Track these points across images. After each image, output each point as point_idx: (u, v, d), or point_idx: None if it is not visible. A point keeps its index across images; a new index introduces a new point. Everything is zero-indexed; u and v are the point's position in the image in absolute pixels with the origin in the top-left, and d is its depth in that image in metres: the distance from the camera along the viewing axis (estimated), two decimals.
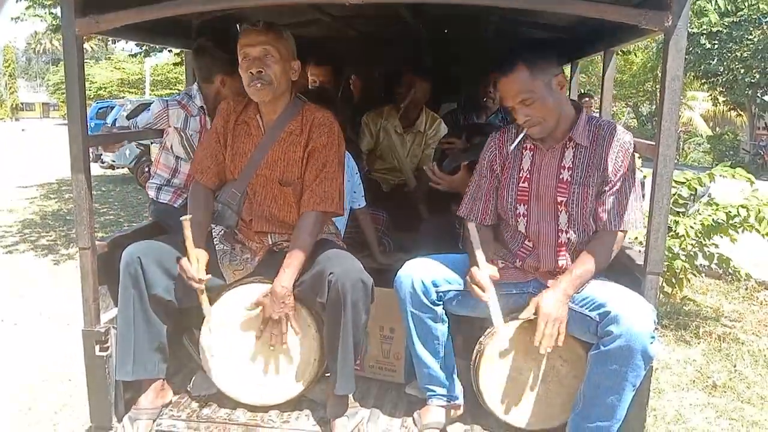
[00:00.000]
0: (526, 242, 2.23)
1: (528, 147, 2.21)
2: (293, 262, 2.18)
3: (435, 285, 2.16)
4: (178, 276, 2.18)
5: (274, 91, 2.23)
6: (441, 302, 2.20)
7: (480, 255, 2.09)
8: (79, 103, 2.15)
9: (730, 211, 4.57)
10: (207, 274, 2.18)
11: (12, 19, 9.23)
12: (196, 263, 2.15)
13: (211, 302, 2.27)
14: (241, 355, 2.29)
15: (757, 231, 4.45)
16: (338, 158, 2.33)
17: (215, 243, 2.40)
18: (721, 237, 4.64)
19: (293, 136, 2.31)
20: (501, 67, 2.12)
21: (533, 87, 2.06)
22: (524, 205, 2.21)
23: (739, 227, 4.54)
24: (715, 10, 4.56)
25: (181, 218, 2.18)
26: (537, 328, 2.00)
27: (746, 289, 5.67)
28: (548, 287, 2.13)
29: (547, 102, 2.09)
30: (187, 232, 2.15)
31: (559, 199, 2.15)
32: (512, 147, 2.22)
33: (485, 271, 2.06)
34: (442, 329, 2.22)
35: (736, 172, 4.61)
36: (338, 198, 2.30)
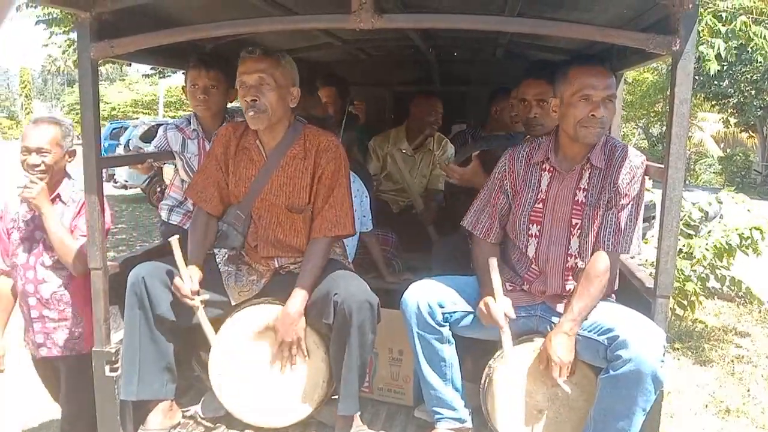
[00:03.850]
0: (532, 266, 2.23)
1: (547, 169, 2.21)
2: (304, 286, 2.20)
3: (441, 306, 2.17)
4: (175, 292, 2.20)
5: (270, 118, 2.24)
6: (447, 323, 2.19)
7: (498, 287, 2.09)
8: (93, 126, 2.19)
9: (743, 233, 4.55)
10: (203, 292, 2.20)
11: (43, 45, 9.48)
12: (189, 281, 2.16)
13: (218, 324, 2.28)
14: (250, 377, 2.29)
15: (756, 253, 4.46)
16: (346, 181, 2.35)
17: (219, 265, 2.41)
18: (736, 256, 4.62)
19: (297, 161, 2.32)
20: (588, 59, 2.16)
21: (614, 90, 2.10)
22: (537, 225, 2.21)
23: (754, 250, 4.52)
24: (716, 57, 4.59)
25: (168, 239, 2.21)
26: (549, 369, 2.04)
27: (759, 311, 5.61)
28: (556, 311, 2.17)
29: (615, 111, 2.13)
30: (177, 252, 2.18)
31: (574, 221, 2.15)
32: (533, 163, 2.23)
33: (501, 307, 2.06)
34: (448, 351, 2.22)
35: (737, 197, 4.66)
36: (350, 220, 2.32)
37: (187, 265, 2.22)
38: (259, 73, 2.20)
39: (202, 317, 2.22)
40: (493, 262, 2.15)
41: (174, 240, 2.21)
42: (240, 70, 2.24)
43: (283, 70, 2.25)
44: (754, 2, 5.08)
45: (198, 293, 2.20)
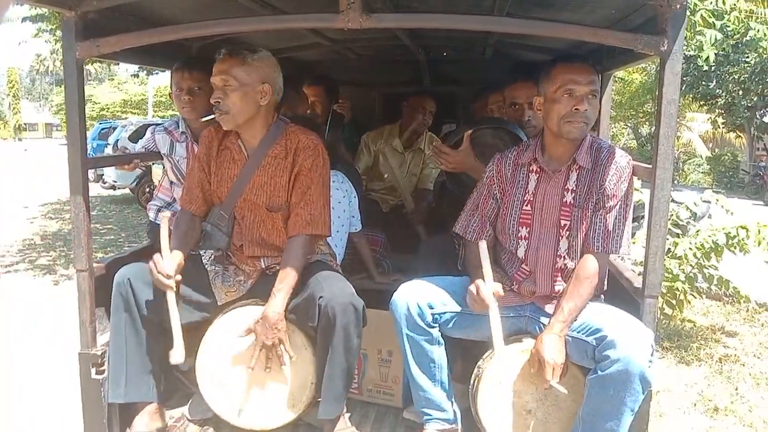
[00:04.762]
0: (523, 266, 2.23)
1: (534, 170, 2.22)
2: (284, 286, 2.16)
3: (430, 307, 2.16)
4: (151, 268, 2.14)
5: (235, 119, 2.21)
6: (437, 324, 2.19)
7: (488, 270, 2.08)
8: (78, 126, 2.17)
9: (729, 232, 4.58)
10: (178, 275, 2.14)
11: (19, 43, 9.37)
12: (169, 259, 2.12)
13: (206, 325, 2.26)
14: (238, 379, 2.27)
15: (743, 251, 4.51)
16: (323, 180, 2.32)
17: (206, 265, 2.39)
18: (723, 254, 4.66)
19: (278, 160, 2.30)
20: (571, 56, 2.17)
21: (598, 86, 2.11)
22: (526, 228, 2.21)
23: (741, 249, 4.56)
24: (712, 46, 4.57)
25: (159, 214, 2.17)
26: (541, 371, 2.02)
27: (747, 310, 5.64)
28: (545, 312, 2.17)
29: (598, 107, 2.15)
30: (164, 230, 2.14)
31: (563, 222, 2.15)
32: (520, 164, 2.23)
33: (489, 287, 2.05)
34: (438, 352, 2.21)
35: (721, 199, 4.73)
36: (325, 220, 2.30)
37: (171, 249, 2.17)
38: (221, 74, 2.19)
39: (170, 299, 2.12)
40: (484, 249, 2.12)
41: (164, 218, 2.17)
42: (213, 71, 2.23)
43: (248, 68, 2.20)
44: (739, 2, 5.10)
45: (172, 276, 2.11)
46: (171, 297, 2.13)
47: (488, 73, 3.99)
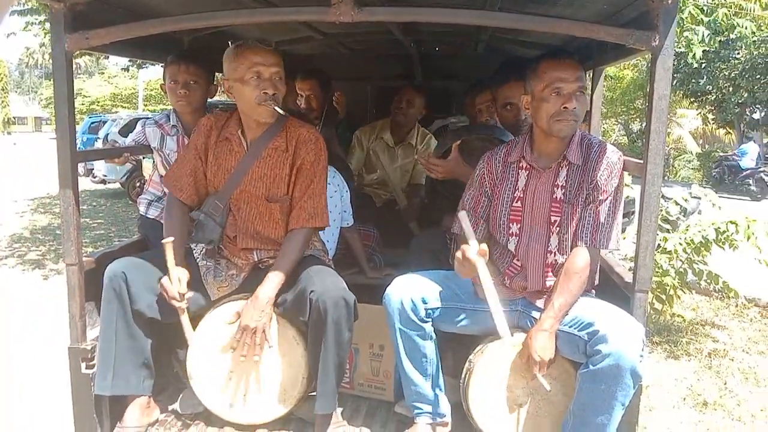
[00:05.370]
0: (514, 261, 2.23)
1: (524, 167, 2.22)
2: (279, 274, 2.18)
3: (424, 302, 2.16)
4: (162, 291, 2.17)
5: (278, 111, 2.24)
6: (429, 319, 2.19)
7: (471, 235, 2.06)
8: (67, 120, 2.15)
9: (719, 227, 4.61)
10: (189, 291, 2.17)
11: (6, 35, 9.27)
12: (177, 283, 2.14)
13: (197, 319, 2.26)
14: (229, 374, 2.27)
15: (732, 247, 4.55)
16: (324, 173, 2.36)
17: (197, 260, 2.38)
18: (711, 249, 4.70)
19: (278, 152, 2.31)
20: (557, 53, 2.15)
21: (585, 82, 2.10)
22: (517, 224, 2.21)
23: (730, 245, 4.59)
24: (700, 43, 4.61)
25: (162, 241, 2.18)
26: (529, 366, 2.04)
27: (736, 305, 5.69)
28: (536, 306, 2.18)
29: (587, 103, 2.16)
30: (169, 254, 2.16)
31: (553, 218, 2.16)
32: (509, 162, 2.24)
33: (474, 248, 2.01)
34: (430, 347, 2.22)
35: (709, 194, 4.79)
36: (326, 212, 2.33)
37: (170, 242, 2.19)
38: (276, 66, 2.21)
39: (184, 321, 2.20)
40: (465, 218, 2.12)
41: (168, 242, 2.18)
42: (255, 59, 2.19)
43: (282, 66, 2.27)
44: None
45: (184, 296, 2.17)
46: (185, 318, 2.20)
47: (481, 68, 3.99)
